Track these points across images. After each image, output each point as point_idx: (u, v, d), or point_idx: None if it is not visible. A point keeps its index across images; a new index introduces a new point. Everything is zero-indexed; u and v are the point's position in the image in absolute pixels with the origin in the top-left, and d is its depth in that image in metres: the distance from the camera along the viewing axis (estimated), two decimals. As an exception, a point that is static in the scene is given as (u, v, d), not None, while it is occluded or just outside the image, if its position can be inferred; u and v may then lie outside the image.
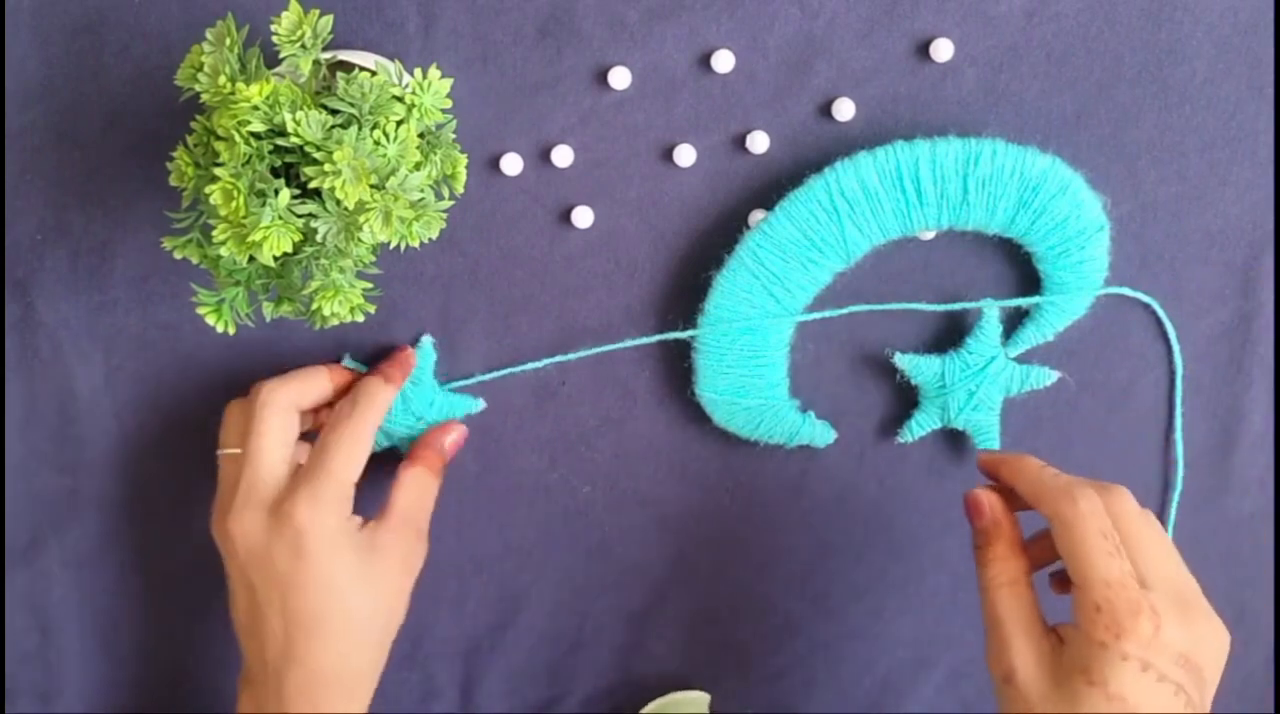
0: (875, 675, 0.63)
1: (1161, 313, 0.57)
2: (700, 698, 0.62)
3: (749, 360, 0.57)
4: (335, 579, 0.52)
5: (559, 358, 0.58)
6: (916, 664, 0.62)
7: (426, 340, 0.58)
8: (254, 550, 0.53)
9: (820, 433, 0.59)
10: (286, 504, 0.52)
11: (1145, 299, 0.57)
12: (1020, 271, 0.57)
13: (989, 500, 0.50)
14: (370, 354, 0.59)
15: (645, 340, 0.58)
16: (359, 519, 0.54)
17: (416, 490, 0.56)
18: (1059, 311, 0.56)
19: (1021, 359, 0.58)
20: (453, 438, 0.58)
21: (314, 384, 0.56)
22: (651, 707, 0.61)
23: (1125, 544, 0.47)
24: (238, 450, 0.55)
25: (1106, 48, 0.55)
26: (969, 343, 0.57)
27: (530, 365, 0.59)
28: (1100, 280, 0.56)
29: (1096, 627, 0.45)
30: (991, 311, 0.56)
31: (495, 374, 0.59)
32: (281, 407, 0.54)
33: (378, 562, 0.53)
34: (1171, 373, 0.58)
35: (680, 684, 0.63)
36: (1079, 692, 0.45)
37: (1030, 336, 0.57)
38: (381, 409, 0.55)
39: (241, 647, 0.55)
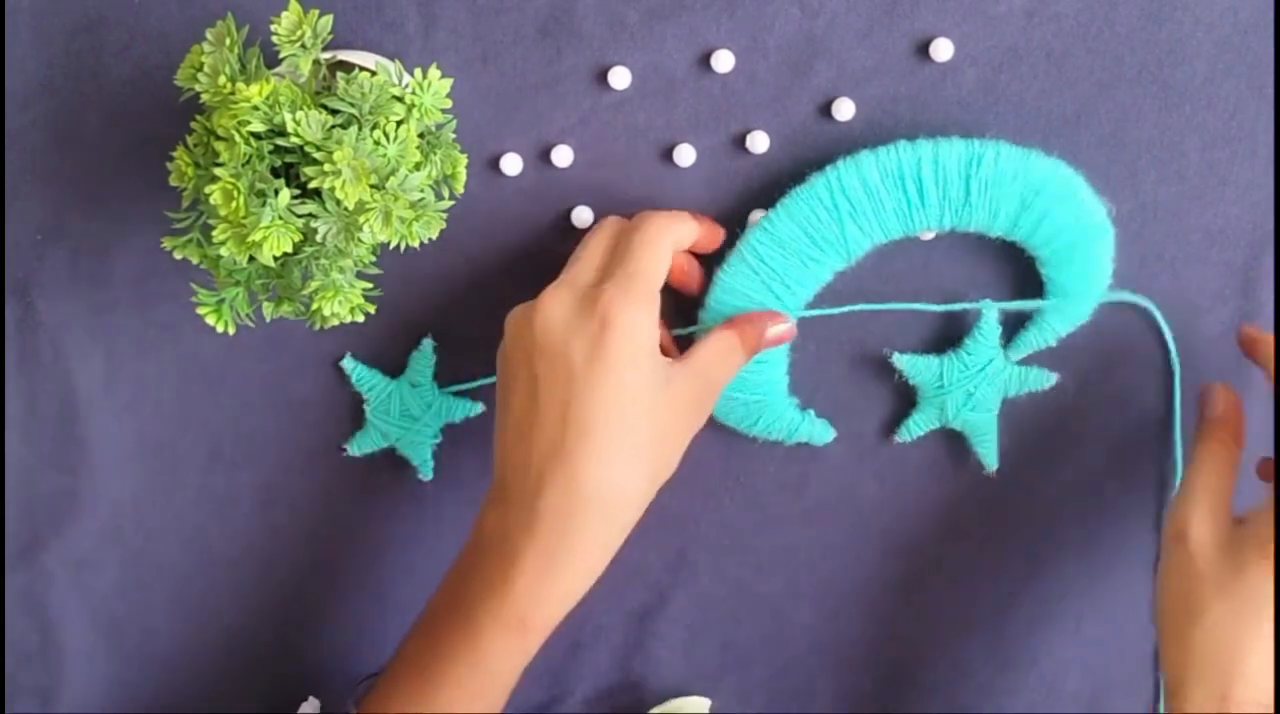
0: (875, 675, 0.63)
1: (1159, 317, 0.57)
2: (700, 702, 0.62)
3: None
4: (627, 386, 0.49)
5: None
6: (917, 664, 0.62)
7: (427, 343, 0.58)
8: (551, 339, 0.49)
9: (819, 431, 0.59)
10: (597, 294, 0.49)
11: (1145, 304, 0.57)
12: (1021, 273, 0.57)
13: (1225, 393, 0.55)
14: (370, 354, 0.59)
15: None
16: (660, 336, 0.51)
17: (722, 352, 0.52)
18: (1062, 317, 0.56)
19: (1021, 361, 0.57)
20: (777, 330, 0.54)
21: (687, 229, 0.54)
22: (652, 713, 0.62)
23: None
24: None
25: (1106, 48, 0.55)
26: (968, 344, 0.57)
27: None
28: (1104, 287, 0.56)
29: None
30: (990, 313, 0.56)
31: (495, 379, 0.59)
32: (668, 235, 0.52)
33: (669, 393, 0.50)
34: (1170, 374, 0.58)
35: (680, 685, 0.63)
36: (1248, 562, 0.49)
37: (1032, 341, 0.57)
38: (688, 235, 0.53)
39: (500, 463, 0.51)
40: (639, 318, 0.49)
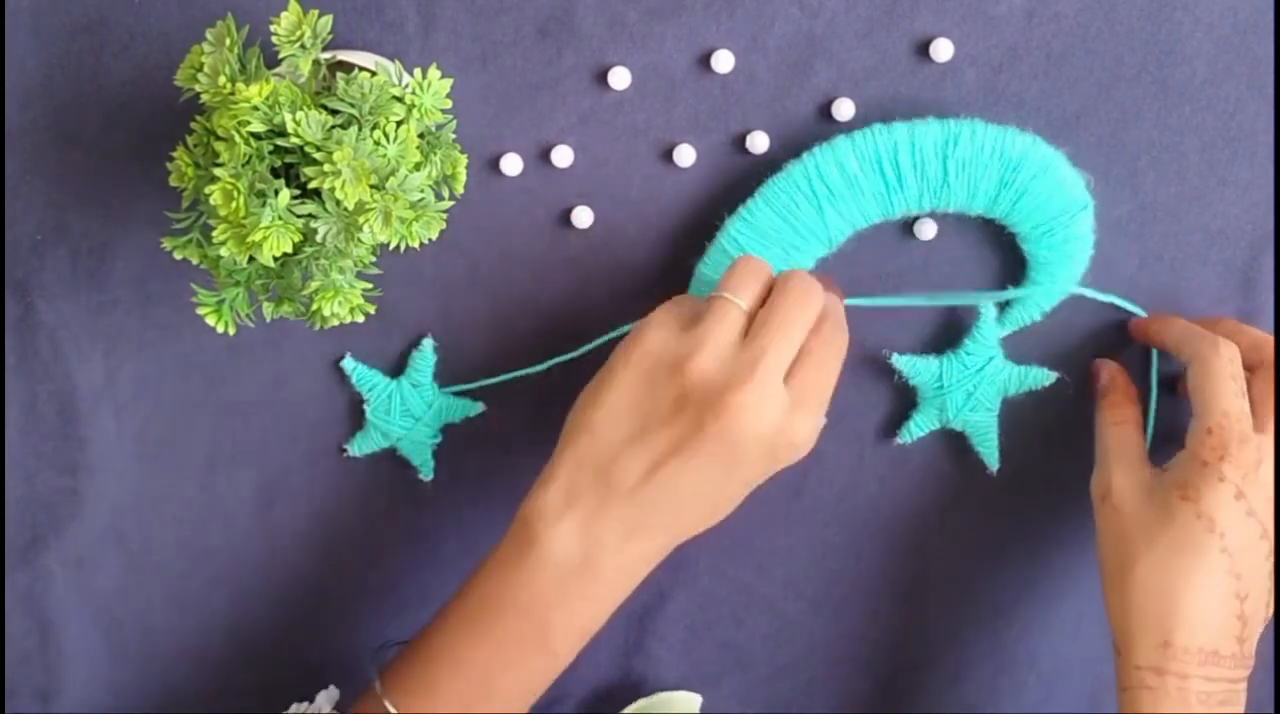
0: (875, 676, 0.63)
1: (1133, 307, 0.57)
2: (690, 698, 0.62)
3: None
4: (753, 479, 0.52)
5: (558, 359, 0.58)
6: (916, 664, 0.62)
7: (427, 343, 0.58)
8: (740, 437, 0.49)
9: None
10: (793, 425, 0.50)
11: (1116, 301, 0.57)
12: (1020, 270, 0.57)
13: (1107, 365, 0.57)
14: (370, 354, 0.59)
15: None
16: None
17: (831, 343, 0.52)
18: (1045, 293, 0.56)
19: (1019, 359, 0.57)
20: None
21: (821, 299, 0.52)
22: (635, 706, 0.61)
23: (1258, 395, 0.52)
24: (745, 307, 0.51)
25: (1106, 48, 0.55)
26: (967, 344, 0.57)
27: (531, 369, 0.58)
28: (1086, 258, 0.56)
29: (1204, 447, 0.50)
30: (989, 312, 0.56)
31: (495, 380, 0.59)
32: (815, 310, 0.51)
33: (780, 442, 0.50)
34: (1161, 372, 0.58)
35: (680, 685, 0.63)
36: (1172, 505, 0.50)
37: (1018, 317, 0.57)
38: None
39: (602, 455, 0.50)
40: (807, 438, 0.51)
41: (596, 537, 0.50)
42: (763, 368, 0.49)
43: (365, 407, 0.59)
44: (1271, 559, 0.50)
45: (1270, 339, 0.54)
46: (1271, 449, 0.50)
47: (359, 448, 0.59)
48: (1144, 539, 0.51)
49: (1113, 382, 0.57)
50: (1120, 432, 0.55)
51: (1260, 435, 0.50)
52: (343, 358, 0.59)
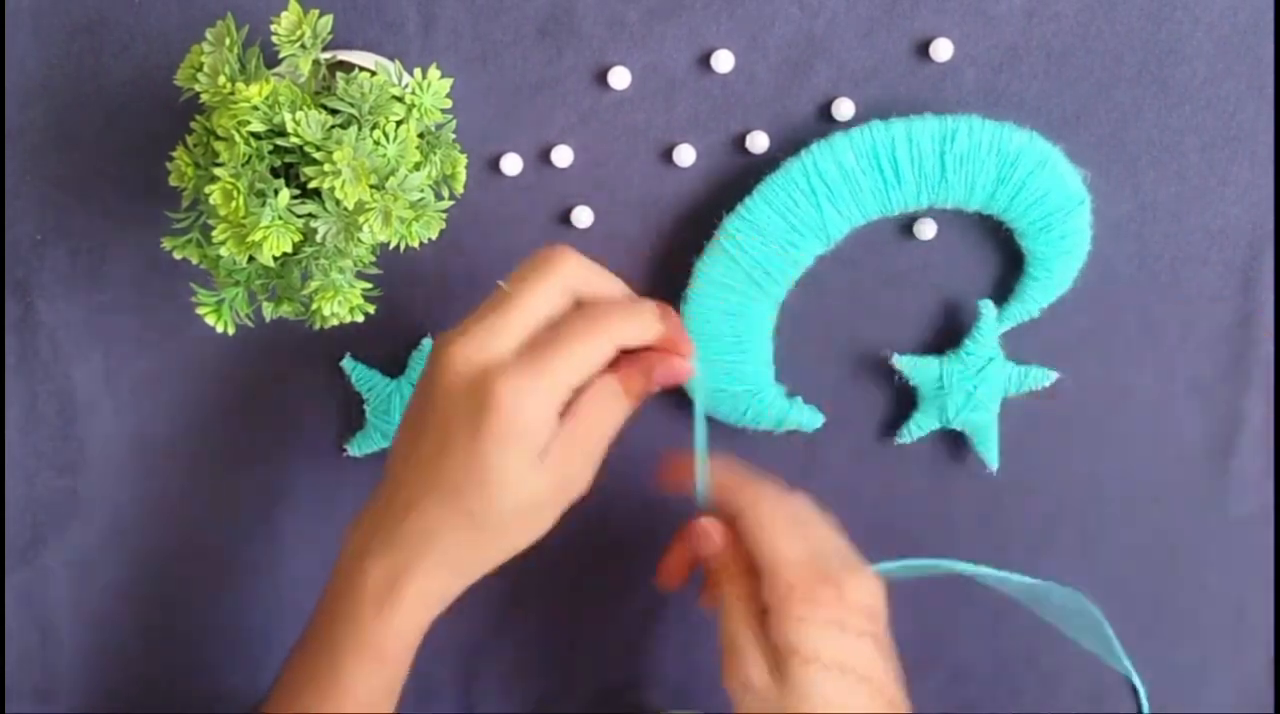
0: (875, 675, 0.62)
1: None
2: None
3: (732, 347, 0.57)
4: (495, 474, 0.46)
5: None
6: (916, 664, 0.62)
7: (427, 343, 0.58)
8: (446, 379, 0.46)
9: (808, 417, 0.58)
10: (503, 376, 0.45)
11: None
12: (1019, 268, 0.57)
13: (716, 532, 0.51)
14: (370, 354, 0.59)
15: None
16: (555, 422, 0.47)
17: (603, 402, 0.48)
18: (1044, 288, 0.56)
19: (1019, 359, 0.58)
20: (666, 371, 0.49)
21: (646, 327, 0.49)
22: None
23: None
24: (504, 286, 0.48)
25: (1106, 48, 0.55)
26: (967, 344, 0.57)
27: None
28: (1084, 254, 0.56)
29: (793, 604, 0.47)
30: (989, 313, 0.56)
31: None
32: (561, 281, 0.47)
33: (543, 471, 0.47)
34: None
35: (680, 685, 0.63)
36: (797, 674, 0.47)
37: (1016, 313, 0.57)
38: (640, 332, 0.48)
39: (387, 469, 0.49)
40: (533, 406, 0.46)
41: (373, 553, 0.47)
42: (486, 322, 0.46)
43: (365, 407, 0.59)
44: (884, 647, 0.49)
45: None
46: (837, 569, 0.48)
47: (359, 448, 0.59)
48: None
49: (723, 559, 0.51)
50: (738, 613, 0.49)
51: (822, 561, 0.48)
52: (342, 358, 0.59)
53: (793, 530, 0.49)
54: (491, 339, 0.46)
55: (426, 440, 0.47)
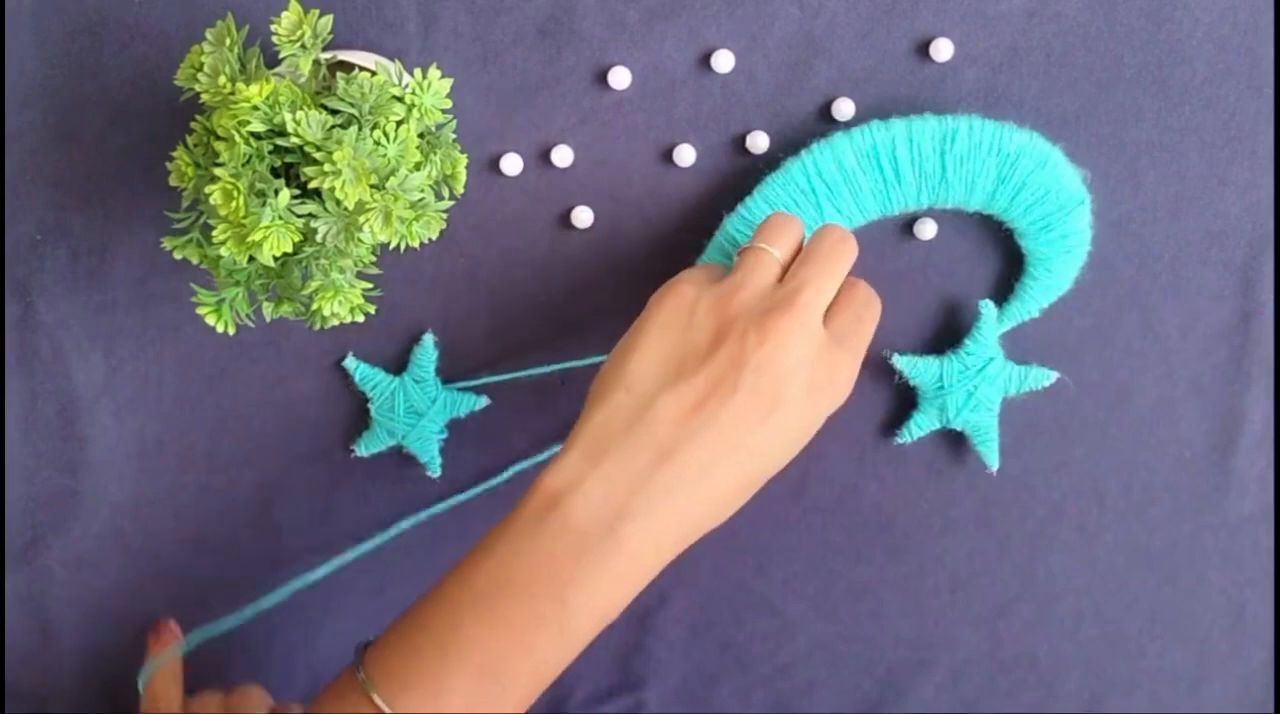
0: (875, 675, 0.63)
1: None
2: None
3: None
4: (791, 439, 0.48)
5: (568, 365, 0.58)
6: (916, 664, 0.62)
7: (428, 338, 0.58)
8: (774, 368, 0.46)
9: None
10: (838, 356, 0.47)
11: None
12: (1019, 267, 0.57)
13: None
14: (371, 354, 0.59)
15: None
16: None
17: (862, 310, 0.50)
18: (1044, 288, 0.56)
19: (1019, 358, 0.58)
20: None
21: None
22: None
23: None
24: (780, 256, 0.49)
25: (1106, 48, 0.55)
26: (967, 344, 0.57)
27: (538, 370, 0.58)
28: (1084, 254, 0.56)
29: None
30: (989, 312, 0.56)
31: (500, 377, 0.59)
32: (849, 258, 0.49)
33: (823, 393, 0.48)
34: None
35: (680, 684, 0.63)
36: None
37: (1016, 312, 0.57)
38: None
39: (636, 408, 0.46)
40: (851, 381, 0.49)
41: (624, 500, 0.44)
42: (804, 298, 0.46)
43: (369, 406, 0.59)
44: None
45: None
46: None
47: (366, 447, 0.59)
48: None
49: None
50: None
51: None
52: (343, 358, 0.59)
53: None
54: (806, 336, 0.47)
55: (741, 404, 0.46)
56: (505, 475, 0.59)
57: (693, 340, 0.47)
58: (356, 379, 0.59)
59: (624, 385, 0.47)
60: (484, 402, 0.59)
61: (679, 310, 0.48)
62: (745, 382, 0.45)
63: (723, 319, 0.47)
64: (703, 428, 0.45)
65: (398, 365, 0.59)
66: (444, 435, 0.59)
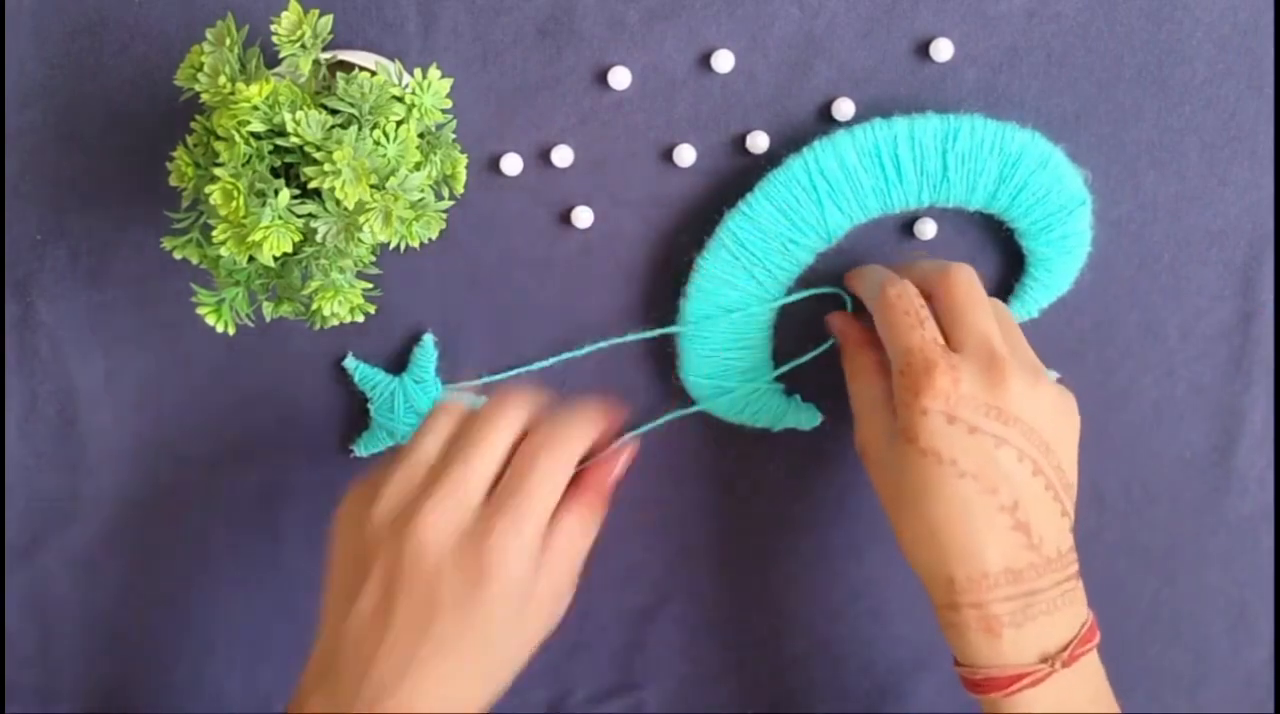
0: (875, 675, 0.63)
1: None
2: None
3: (732, 344, 0.57)
4: (491, 634, 0.48)
5: (565, 356, 0.58)
6: (916, 664, 0.62)
7: (428, 338, 0.58)
8: (423, 567, 0.47)
9: (806, 416, 0.58)
10: (484, 542, 0.47)
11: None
12: (1020, 267, 0.57)
13: (838, 317, 0.57)
14: (370, 354, 0.59)
15: (635, 337, 0.58)
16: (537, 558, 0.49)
17: (579, 530, 0.50)
18: (1043, 288, 0.56)
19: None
20: (621, 469, 0.52)
21: (537, 405, 0.51)
22: None
23: (947, 317, 0.51)
24: (436, 447, 0.50)
25: (1106, 48, 0.55)
26: (969, 343, 0.57)
27: (537, 365, 0.58)
28: (1084, 254, 0.56)
29: (902, 389, 0.49)
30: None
31: (504, 374, 0.59)
32: (508, 428, 0.50)
33: (527, 615, 0.48)
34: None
35: (680, 684, 0.63)
36: (902, 451, 0.49)
37: (1016, 313, 0.57)
38: (584, 443, 0.50)
39: (334, 649, 0.48)
40: (523, 568, 0.47)
41: None
42: (442, 494, 0.47)
43: (369, 406, 0.59)
44: (1046, 458, 0.49)
45: (938, 266, 0.52)
46: (965, 363, 0.49)
47: (365, 448, 0.59)
48: (895, 488, 0.50)
49: (842, 332, 0.56)
50: (864, 383, 0.54)
51: (953, 354, 0.49)
52: (343, 358, 0.59)
53: (910, 321, 0.50)
54: (457, 505, 0.48)
55: (405, 613, 0.47)
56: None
57: (356, 559, 0.49)
58: (356, 379, 0.59)
59: (327, 615, 0.49)
60: (484, 401, 0.59)
61: (341, 535, 0.50)
62: (400, 591, 0.47)
63: (372, 528, 0.48)
64: (385, 635, 0.47)
65: (397, 365, 0.59)
66: None
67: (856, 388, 0.54)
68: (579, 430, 0.50)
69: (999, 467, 0.48)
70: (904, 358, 0.49)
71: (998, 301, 0.53)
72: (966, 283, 0.51)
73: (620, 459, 0.53)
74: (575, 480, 0.51)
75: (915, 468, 0.49)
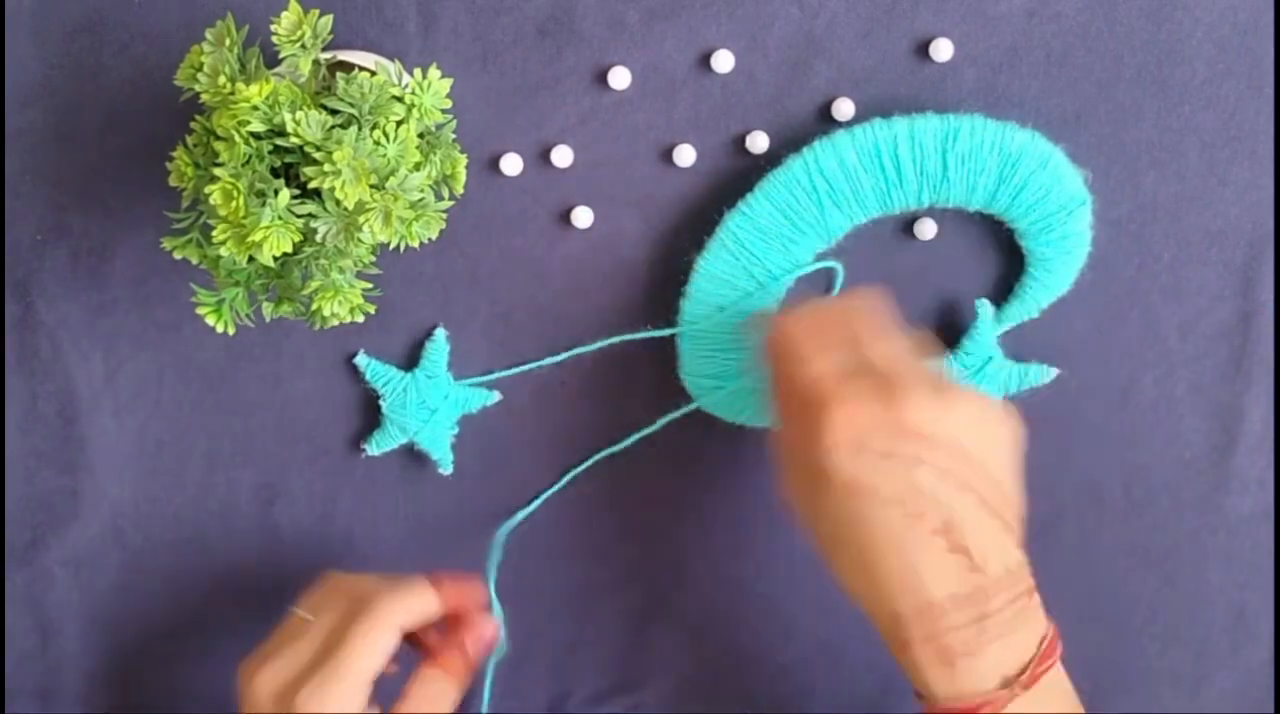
0: (875, 675, 0.62)
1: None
2: None
3: (731, 344, 0.57)
4: None
5: (564, 355, 0.58)
6: (916, 664, 0.62)
7: (440, 332, 0.58)
8: None
9: None
10: (293, 694, 0.50)
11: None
12: (1019, 268, 0.57)
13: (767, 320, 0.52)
14: (370, 354, 0.59)
15: (635, 336, 0.58)
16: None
17: (434, 694, 0.52)
18: (1044, 288, 0.56)
19: (1018, 357, 0.57)
20: (485, 642, 0.54)
21: (423, 607, 0.52)
22: None
23: (844, 349, 0.47)
24: (310, 619, 0.52)
25: (1106, 48, 0.55)
26: (965, 343, 0.57)
27: (546, 361, 0.58)
28: (1084, 254, 0.56)
29: (803, 430, 0.46)
30: (986, 312, 0.56)
31: (512, 371, 0.59)
32: (391, 629, 0.51)
33: None
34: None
35: (680, 684, 0.63)
36: (822, 491, 0.46)
37: (1016, 313, 0.57)
38: (421, 615, 0.52)
39: None
40: None
41: None
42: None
43: (381, 403, 0.59)
44: (972, 471, 0.46)
45: (830, 300, 0.50)
46: (859, 390, 0.46)
47: (378, 446, 0.59)
48: (824, 533, 0.48)
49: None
50: (775, 433, 0.50)
51: (847, 382, 0.46)
52: (343, 357, 0.59)
53: (817, 343, 0.47)
54: (281, 662, 0.51)
55: None
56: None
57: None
58: (368, 376, 0.59)
59: None
60: (496, 396, 0.59)
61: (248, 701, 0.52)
62: None
63: (262, 701, 0.51)
64: None
65: (399, 366, 0.59)
66: (455, 431, 0.59)
67: (773, 436, 0.51)
68: (406, 605, 0.52)
69: (919, 489, 0.45)
70: (798, 399, 0.47)
71: (914, 331, 0.51)
72: (852, 311, 0.49)
73: (485, 634, 0.54)
74: (442, 641, 0.53)
75: (838, 506, 0.46)
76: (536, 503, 0.60)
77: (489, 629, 0.54)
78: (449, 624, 0.54)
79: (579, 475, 0.60)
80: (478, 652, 0.53)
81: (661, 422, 0.59)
